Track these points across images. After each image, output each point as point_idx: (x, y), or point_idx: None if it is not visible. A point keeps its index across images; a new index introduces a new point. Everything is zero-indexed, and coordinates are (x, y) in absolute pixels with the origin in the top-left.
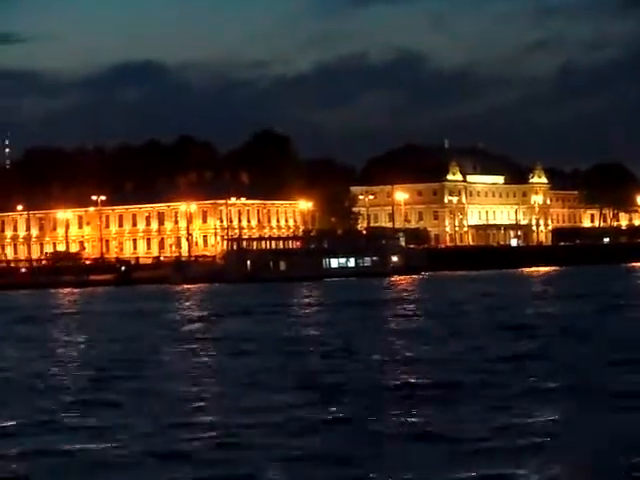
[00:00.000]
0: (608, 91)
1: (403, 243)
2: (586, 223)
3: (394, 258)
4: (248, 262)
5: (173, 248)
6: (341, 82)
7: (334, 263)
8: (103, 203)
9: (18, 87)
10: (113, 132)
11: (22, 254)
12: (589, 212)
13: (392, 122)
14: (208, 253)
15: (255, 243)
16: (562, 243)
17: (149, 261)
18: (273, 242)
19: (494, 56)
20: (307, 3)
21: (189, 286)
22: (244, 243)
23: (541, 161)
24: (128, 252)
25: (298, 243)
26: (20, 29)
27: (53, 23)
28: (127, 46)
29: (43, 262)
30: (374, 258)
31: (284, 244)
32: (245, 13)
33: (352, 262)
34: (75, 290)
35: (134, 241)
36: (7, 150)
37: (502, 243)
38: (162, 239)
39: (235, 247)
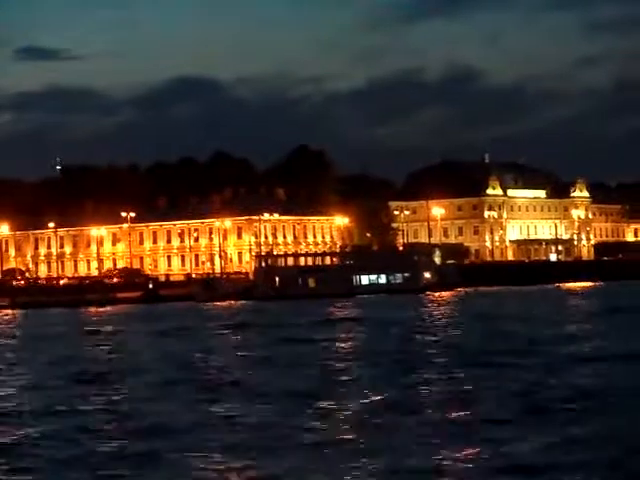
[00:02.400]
0: None
1: (438, 259)
2: (630, 237)
3: (426, 274)
4: (277, 279)
5: (207, 265)
6: (394, 98)
7: (364, 280)
8: (136, 220)
9: (72, 104)
10: (163, 149)
11: (55, 271)
12: (633, 226)
13: (442, 138)
14: (242, 270)
15: (285, 259)
16: (605, 258)
17: (182, 278)
18: (304, 258)
19: (546, 72)
20: (362, 17)
21: (218, 303)
22: (274, 259)
23: (588, 176)
24: (162, 269)
25: (330, 259)
26: (76, 45)
27: (109, 40)
28: (178, 62)
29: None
30: (405, 274)
31: (315, 260)
32: (300, 27)
33: (383, 279)
34: (100, 309)
35: (168, 258)
36: (58, 167)
37: (543, 258)
38: (196, 255)
39: (264, 263)
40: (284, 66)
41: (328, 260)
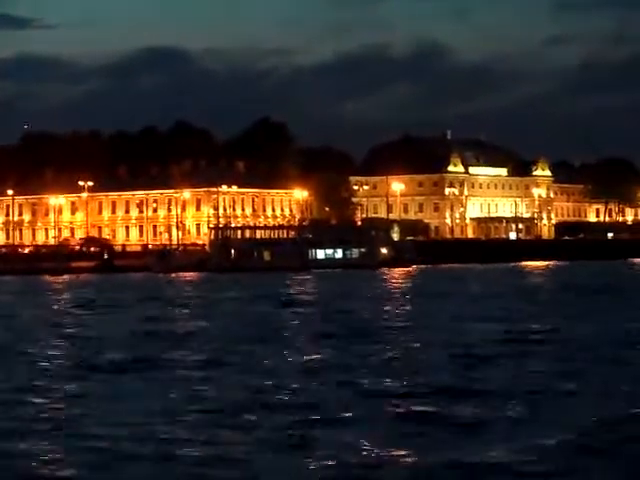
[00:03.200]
0: (627, 86)
1: (397, 235)
2: (591, 217)
3: (383, 250)
4: (232, 251)
5: (165, 236)
6: (361, 73)
7: (320, 254)
8: (95, 189)
9: (42, 72)
10: (129, 119)
11: (13, 239)
12: (594, 206)
13: (408, 115)
14: (200, 242)
15: (241, 232)
16: (565, 237)
17: (139, 249)
18: (261, 231)
19: (514, 50)
20: None
21: (172, 274)
22: (230, 232)
23: (552, 156)
24: (120, 239)
25: (287, 232)
26: (44, 15)
27: (80, 10)
28: (146, 33)
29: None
30: (362, 250)
31: (272, 233)
32: (266, 2)
33: (339, 253)
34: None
35: (126, 228)
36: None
37: (503, 236)
38: (154, 226)
39: (220, 236)
40: (252, 39)
41: (286, 233)
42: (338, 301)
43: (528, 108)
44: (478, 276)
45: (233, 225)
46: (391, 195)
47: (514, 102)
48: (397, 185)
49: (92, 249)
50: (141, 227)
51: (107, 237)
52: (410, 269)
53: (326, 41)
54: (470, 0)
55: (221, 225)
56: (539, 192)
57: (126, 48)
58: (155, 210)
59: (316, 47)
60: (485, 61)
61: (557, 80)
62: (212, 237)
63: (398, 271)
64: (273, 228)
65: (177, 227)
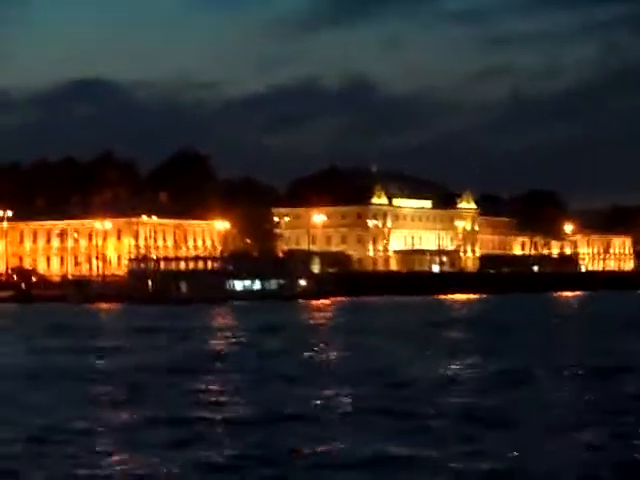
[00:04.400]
0: (556, 120)
1: (317, 267)
2: (517, 251)
3: (302, 282)
4: (149, 282)
5: (86, 266)
6: (290, 105)
7: (238, 285)
8: (16, 219)
9: None
10: (53, 149)
11: None
12: (520, 239)
13: (335, 147)
14: (120, 272)
15: (160, 263)
16: (490, 270)
17: (59, 279)
18: (181, 262)
19: (443, 84)
20: (262, 25)
21: (89, 305)
22: (149, 263)
23: (480, 189)
24: (42, 269)
25: (204, 264)
26: None
27: (8, 38)
28: (78, 64)
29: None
30: (280, 281)
31: (195, 264)
32: (200, 33)
33: (257, 285)
34: None
35: (47, 258)
36: None
37: (427, 269)
38: (75, 257)
39: (137, 266)
40: (183, 71)
41: (206, 265)
42: None
43: (456, 141)
44: (390, 310)
45: (153, 256)
46: (313, 227)
47: (442, 135)
48: (318, 217)
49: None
50: (62, 257)
51: (28, 267)
52: (328, 301)
53: (257, 74)
54: (401, 34)
55: (140, 256)
56: (463, 224)
57: (56, 79)
58: (76, 240)
59: (247, 80)
60: (414, 94)
61: (486, 114)
62: (130, 268)
63: (316, 303)
64: (192, 259)
65: (97, 257)
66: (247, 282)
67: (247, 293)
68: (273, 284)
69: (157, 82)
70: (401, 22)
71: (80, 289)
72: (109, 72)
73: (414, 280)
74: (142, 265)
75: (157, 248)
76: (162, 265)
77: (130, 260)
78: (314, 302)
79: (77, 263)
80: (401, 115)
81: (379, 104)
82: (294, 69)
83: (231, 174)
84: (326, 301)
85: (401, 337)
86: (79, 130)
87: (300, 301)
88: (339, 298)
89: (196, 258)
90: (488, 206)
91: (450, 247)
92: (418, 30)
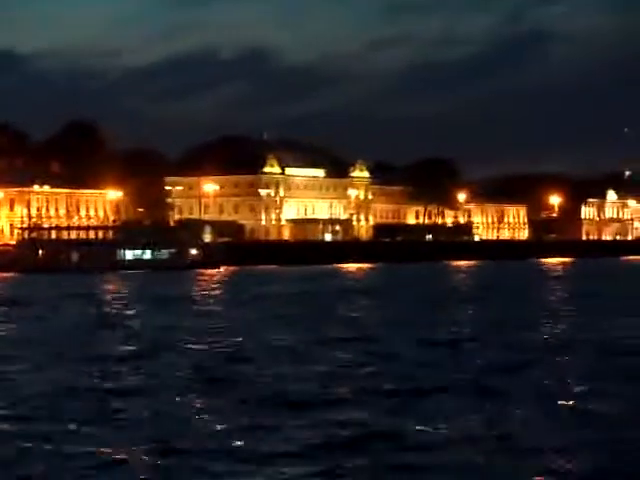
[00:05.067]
0: (453, 88)
1: (209, 236)
2: (411, 220)
3: (192, 251)
4: (40, 252)
5: None
6: (188, 74)
7: (129, 255)
8: None
9: None
10: None
11: None
12: (414, 208)
13: (232, 116)
14: (13, 242)
15: (51, 232)
16: (383, 239)
17: None
18: (72, 232)
19: (341, 52)
20: None
21: None
22: (40, 232)
23: (374, 157)
24: None
25: (96, 233)
26: None
27: None
28: None
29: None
30: (171, 251)
31: (85, 234)
32: (99, 2)
33: (148, 254)
34: None
35: None
36: None
37: (320, 238)
38: None
39: (28, 236)
40: (83, 40)
41: (97, 234)
42: None
43: (352, 110)
44: (279, 278)
45: (44, 225)
46: (204, 196)
47: (338, 104)
48: (210, 186)
49: None
50: None
51: None
52: (219, 270)
53: (157, 43)
54: (301, 3)
55: (30, 225)
56: (356, 193)
57: None
58: None
59: (146, 49)
60: (311, 64)
61: (384, 82)
62: (20, 237)
63: (209, 272)
64: (84, 229)
65: None
66: (138, 252)
67: (138, 262)
68: (164, 254)
69: (56, 51)
70: None
71: None
72: (8, 41)
73: (306, 249)
74: (32, 234)
75: (49, 218)
76: (53, 234)
77: (20, 229)
78: (205, 271)
79: None
80: (299, 84)
81: (277, 73)
82: (194, 38)
83: (127, 144)
84: (215, 271)
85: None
86: None
87: (191, 271)
88: (230, 267)
89: (88, 228)
90: (382, 175)
91: (343, 216)
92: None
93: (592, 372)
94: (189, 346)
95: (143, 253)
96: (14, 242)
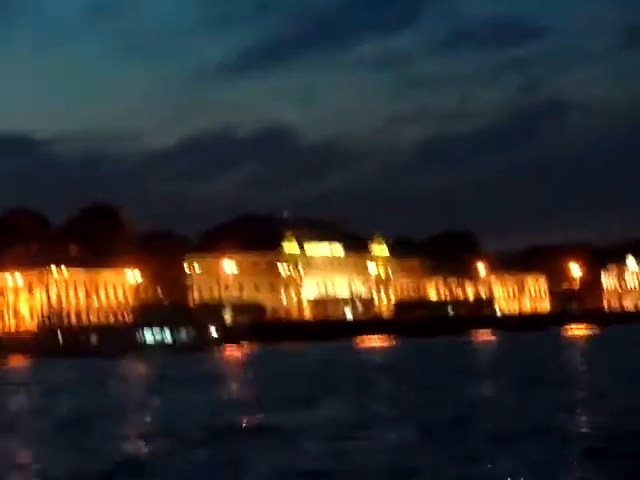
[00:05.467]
0: (469, 161)
1: (229, 316)
2: (431, 293)
3: (212, 331)
4: (59, 336)
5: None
6: (206, 155)
7: (149, 336)
8: None
9: None
10: None
11: None
12: (434, 281)
13: (249, 196)
14: (34, 327)
15: (72, 316)
16: (404, 316)
17: None
18: (92, 315)
19: (357, 129)
20: (179, 74)
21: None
22: (59, 317)
23: (392, 233)
24: None
25: (115, 316)
26: None
27: None
28: None
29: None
30: (190, 331)
31: (104, 316)
32: (117, 83)
33: (168, 336)
34: None
35: None
36: None
37: (341, 316)
38: None
39: (49, 320)
40: (100, 123)
41: (117, 317)
42: None
43: (369, 186)
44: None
45: (61, 309)
46: (224, 275)
47: (356, 180)
48: (228, 264)
49: None
50: None
51: None
52: (240, 349)
53: (173, 125)
54: (315, 82)
55: (50, 310)
56: (376, 269)
57: None
58: None
59: (162, 131)
60: (328, 141)
61: (400, 157)
62: (40, 321)
63: (227, 353)
64: (104, 311)
65: (7, 312)
66: (157, 333)
67: (157, 344)
68: (183, 334)
69: (73, 135)
70: (315, 70)
71: None
72: (26, 126)
73: (328, 328)
74: (52, 319)
75: (69, 300)
76: (73, 318)
77: (40, 315)
78: (226, 351)
79: None
80: (316, 162)
81: (293, 152)
82: (209, 119)
83: (145, 226)
84: (237, 349)
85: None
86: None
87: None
88: (251, 345)
89: (106, 310)
90: (401, 249)
91: (364, 291)
92: (331, 78)
93: None
94: None
95: (163, 334)
96: (34, 327)
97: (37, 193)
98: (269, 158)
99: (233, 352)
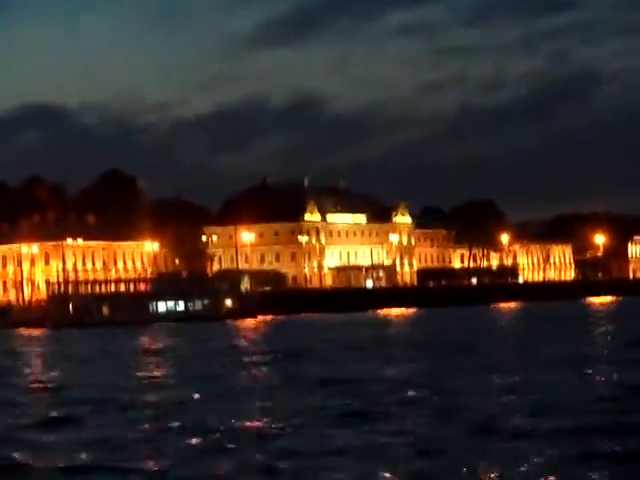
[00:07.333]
0: (501, 130)
1: (247, 285)
2: (456, 263)
3: (227, 302)
4: (70, 306)
5: (13, 292)
6: (238, 125)
7: (161, 307)
8: None
9: None
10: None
11: None
12: (459, 251)
13: (286, 166)
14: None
15: (83, 286)
16: (428, 284)
17: None
18: (105, 285)
19: (391, 98)
20: (208, 44)
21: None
22: (70, 287)
23: (421, 202)
24: None
25: (126, 285)
26: None
27: None
28: (26, 89)
29: None
30: (205, 302)
31: (118, 287)
32: (147, 54)
33: (181, 306)
34: None
35: None
36: None
37: (362, 285)
38: (4, 282)
39: (59, 291)
40: (129, 93)
41: (131, 287)
42: None
43: (402, 155)
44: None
45: (80, 279)
46: (243, 245)
47: (388, 150)
48: (247, 235)
49: None
50: None
51: None
52: (255, 320)
53: (203, 94)
54: (348, 50)
55: (61, 280)
56: (399, 238)
57: (2, 104)
58: (4, 266)
59: (193, 100)
60: (362, 110)
61: (434, 126)
62: (51, 292)
63: (245, 323)
64: (118, 281)
65: (21, 283)
66: (170, 303)
67: (170, 314)
68: (197, 305)
69: (102, 104)
70: (348, 39)
71: (2, 315)
72: (56, 97)
73: (348, 296)
74: (64, 289)
75: (85, 271)
76: (84, 288)
77: (51, 284)
78: (239, 322)
79: (5, 289)
80: (348, 131)
81: (327, 121)
82: (241, 89)
83: (168, 195)
84: (251, 320)
85: None
86: (26, 154)
87: (227, 322)
88: (267, 317)
89: (120, 280)
90: (428, 219)
91: (386, 262)
92: (365, 46)
93: None
94: None
95: (176, 305)
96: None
97: (63, 163)
98: (301, 128)
99: (248, 323)
